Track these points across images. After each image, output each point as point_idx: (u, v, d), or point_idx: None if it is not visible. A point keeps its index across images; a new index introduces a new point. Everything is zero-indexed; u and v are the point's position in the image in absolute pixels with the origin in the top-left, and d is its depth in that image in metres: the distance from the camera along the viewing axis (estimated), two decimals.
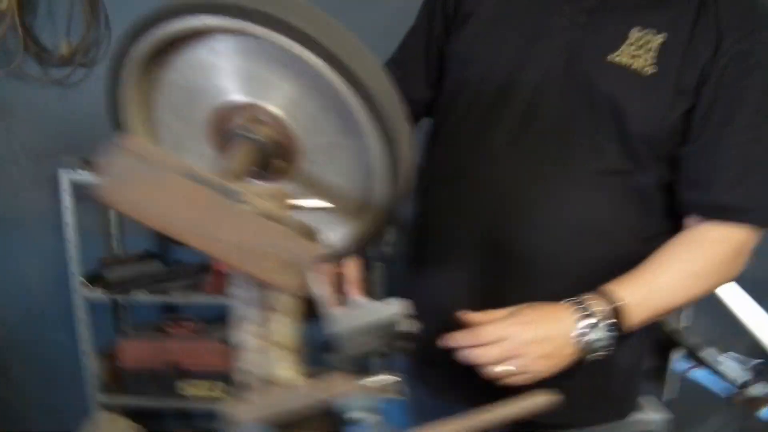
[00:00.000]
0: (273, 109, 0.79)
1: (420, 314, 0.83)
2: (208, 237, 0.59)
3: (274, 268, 0.59)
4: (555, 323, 0.94)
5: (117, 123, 0.82)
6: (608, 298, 0.96)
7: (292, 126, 0.79)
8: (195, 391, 2.33)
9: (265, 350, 0.73)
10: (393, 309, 0.82)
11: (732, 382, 1.69)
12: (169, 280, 2.33)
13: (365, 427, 0.69)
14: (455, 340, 0.94)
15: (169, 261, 2.45)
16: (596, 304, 0.95)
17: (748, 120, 0.98)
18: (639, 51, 0.99)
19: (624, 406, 1.17)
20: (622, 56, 0.99)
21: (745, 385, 1.68)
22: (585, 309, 0.95)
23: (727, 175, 0.99)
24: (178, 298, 2.32)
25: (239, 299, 0.72)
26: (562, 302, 0.97)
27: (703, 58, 0.97)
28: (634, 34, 1.01)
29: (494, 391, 0.89)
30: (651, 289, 0.98)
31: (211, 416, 2.48)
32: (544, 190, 1.03)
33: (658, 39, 0.99)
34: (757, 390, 1.61)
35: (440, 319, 0.97)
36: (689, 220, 1.04)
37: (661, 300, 0.99)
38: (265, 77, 0.78)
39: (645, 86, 0.98)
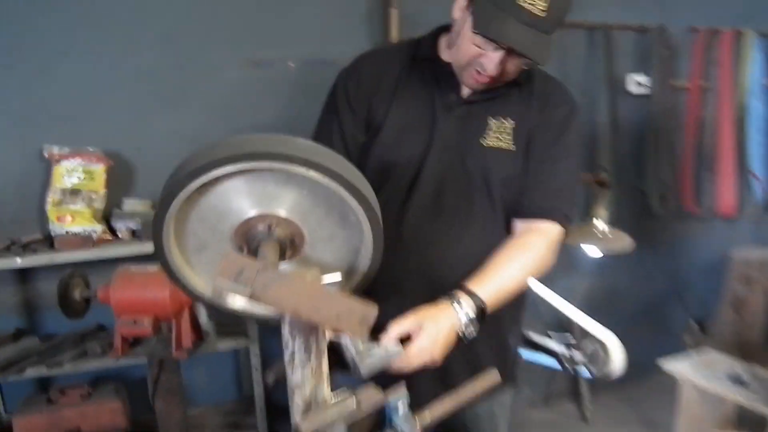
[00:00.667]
0: (284, 214, 1.15)
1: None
2: (317, 312, 0.95)
3: (353, 325, 0.97)
4: (449, 327, 1.37)
5: (159, 244, 1.12)
6: (474, 299, 1.41)
7: (300, 224, 1.16)
8: None
9: (318, 379, 1.09)
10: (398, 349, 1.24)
11: (556, 355, 2.29)
12: (53, 353, 2.46)
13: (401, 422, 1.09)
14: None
15: (41, 335, 2.58)
16: (467, 305, 1.40)
17: (561, 159, 1.56)
18: (500, 135, 1.53)
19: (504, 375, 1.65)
20: (491, 141, 1.52)
21: (565, 354, 2.27)
22: (463, 309, 1.39)
23: (548, 191, 1.55)
24: (68, 368, 2.45)
25: (298, 348, 1.07)
26: (443, 300, 1.41)
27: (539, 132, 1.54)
28: (492, 121, 1.54)
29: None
30: (500, 285, 1.46)
31: None
32: (450, 238, 1.54)
33: (509, 124, 1.54)
34: (576, 356, 2.21)
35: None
36: (517, 225, 1.58)
37: (506, 292, 1.48)
38: (274, 194, 1.13)
39: (510, 159, 1.54)
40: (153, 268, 2.07)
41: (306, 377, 1.09)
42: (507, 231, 1.60)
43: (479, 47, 1.42)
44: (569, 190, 1.58)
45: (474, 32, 1.39)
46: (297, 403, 1.10)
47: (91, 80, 2.59)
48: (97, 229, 2.45)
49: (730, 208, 4.15)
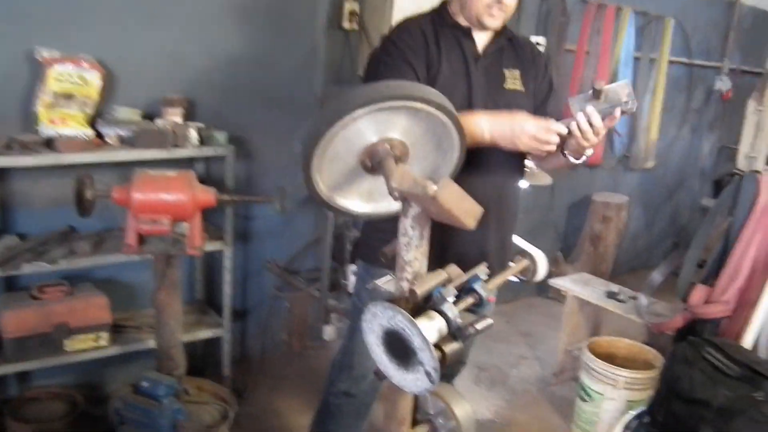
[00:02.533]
0: (397, 136, 1.61)
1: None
2: (457, 207, 1.43)
3: (471, 219, 1.46)
4: None
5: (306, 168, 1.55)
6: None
7: (409, 146, 1.62)
8: (81, 345, 2.77)
9: (423, 259, 1.59)
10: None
11: None
12: (43, 251, 2.69)
13: (481, 289, 1.61)
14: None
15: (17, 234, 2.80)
16: None
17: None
18: (513, 80, 2.09)
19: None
20: (509, 85, 2.08)
21: None
22: None
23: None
24: (64, 265, 2.68)
25: (416, 235, 1.55)
26: None
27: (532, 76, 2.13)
28: (506, 72, 2.09)
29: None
30: None
31: (95, 365, 2.95)
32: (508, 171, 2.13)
33: (517, 72, 2.10)
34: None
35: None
36: None
37: None
38: (392, 124, 1.59)
39: (525, 97, 2.10)
40: (171, 172, 2.39)
41: (418, 256, 1.58)
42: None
43: None
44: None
45: None
46: (407, 275, 1.58)
47: None
48: (88, 133, 2.69)
49: (596, 158, 4.99)
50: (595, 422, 2.98)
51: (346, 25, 3.39)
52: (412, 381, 1.47)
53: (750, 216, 2.61)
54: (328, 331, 3.45)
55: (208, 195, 2.39)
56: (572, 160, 2.01)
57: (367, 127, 1.53)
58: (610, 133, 5.07)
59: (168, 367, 2.53)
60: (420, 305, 1.54)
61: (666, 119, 5.32)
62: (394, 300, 1.58)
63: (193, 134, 2.90)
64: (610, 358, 3.03)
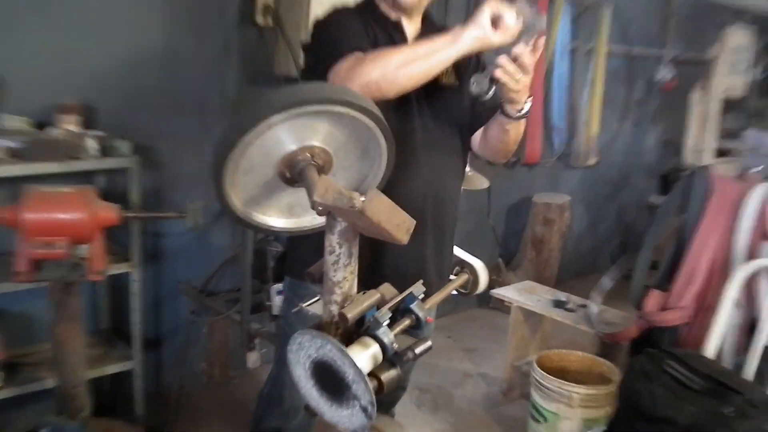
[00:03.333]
0: (319, 144, 1.56)
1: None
2: (388, 221, 1.39)
3: (403, 233, 1.43)
4: None
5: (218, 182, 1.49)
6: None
7: (333, 155, 1.58)
8: None
9: (353, 278, 1.54)
10: None
11: None
12: None
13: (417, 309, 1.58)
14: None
15: None
16: None
17: None
18: (449, 74, 2.07)
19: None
20: (444, 78, 2.05)
21: None
22: None
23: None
24: None
25: (343, 253, 1.50)
26: None
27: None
28: None
29: None
30: None
31: None
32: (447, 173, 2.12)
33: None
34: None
35: None
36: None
37: None
38: (313, 131, 1.54)
39: (458, 90, 2.10)
40: (67, 188, 2.29)
41: (347, 276, 1.53)
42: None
43: None
44: None
45: None
46: (335, 297, 1.54)
47: None
48: None
49: (535, 156, 5.06)
50: None
51: (260, 20, 3.32)
52: (346, 417, 1.43)
53: (704, 215, 2.66)
54: (252, 358, 3.38)
55: (110, 212, 2.31)
56: (513, 114, 1.95)
57: (284, 134, 1.49)
58: (549, 130, 5.15)
59: (71, 410, 2.42)
60: (352, 330, 1.50)
61: (607, 113, 5.43)
62: (321, 326, 1.54)
63: (91, 144, 2.79)
64: (561, 372, 3.04)
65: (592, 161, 5.41)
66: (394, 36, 2.06)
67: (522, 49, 1.76)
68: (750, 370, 2.41)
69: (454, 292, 2.56)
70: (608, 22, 5.11)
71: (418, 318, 1.58)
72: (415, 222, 1.45)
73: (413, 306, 1.59)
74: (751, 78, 5.53)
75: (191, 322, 3.47)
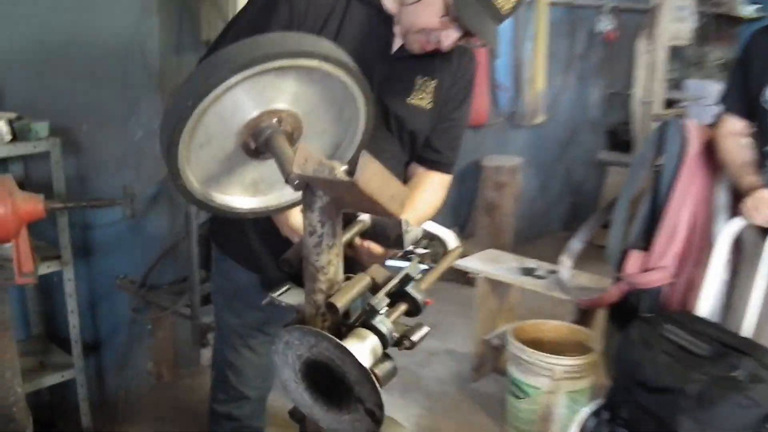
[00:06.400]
0: (286, 107, 1.36)
1: None
2: (381, 193, 1.20)
3: (397, 205, 1.24)
4: None
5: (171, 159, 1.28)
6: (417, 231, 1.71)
7: (302, 119, 1.38)
8: None
9: (339, 262, 1.35)
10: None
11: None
12: None
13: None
14: None
15: None
16: None
17: (463, 116, 1.97)
18: (423, 94, 1.84)
19: None
20: (414, 100, 1.83)
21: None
22: None
23: (449, 147, 1.96)
24: None
25: (327, 233, 1.31)
26: None
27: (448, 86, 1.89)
28: (418, 81, 1.83)
29: None
30: (421, 216, 1.84)
31: None
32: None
33: (433, 83, 1.84)
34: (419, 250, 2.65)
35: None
36: (417, 169, 1.98)
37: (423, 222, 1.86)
38: (280, 91, 1.34)
39: (427, 117, 1.87)
40: None
41: (332, 259, 1.34)
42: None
43: (443, 23, 1.67)
44: (460, 144, 2.02)
45: (453, 17, 1.64)
46: (320, 285, 1.35)
47: None
48: None
49: (483, 117, 4.91)
50: (533, 421, 2.88)
51: None
52: (349, 423, 1.25)
53: (680, 168, 2.55)
54: (206, 355, 3.16)
55: (34, 204, 2.08)
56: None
57: (244, 97, 1.29)
58: (494, 89, 5.02)
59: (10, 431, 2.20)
60: (339, 322, 1.34)
61: (551, 68, 5.31)
62: (305, 319, 1.36)
63: (2, 127, 2.51)
64: (537, 344, 2.94)
65: (539, 119, 5.31)
66: (376, 31, 1.80)
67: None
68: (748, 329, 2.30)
69: (423, 267, 2.41)
70: None
71: (415, 302, 1.42)
72: (408, 192, 1.28)
73: (410, 288, 1.43)
74: (693, 25, 5.49)
75: (133, 321, 3.25)
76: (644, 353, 2.06)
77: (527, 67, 5.13)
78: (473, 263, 3.51)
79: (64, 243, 2.67)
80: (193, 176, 1.36)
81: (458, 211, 5.10)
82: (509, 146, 5.33)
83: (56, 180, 2.63)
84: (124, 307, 3.24)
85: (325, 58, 1.28)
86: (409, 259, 2.46)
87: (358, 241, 1.58)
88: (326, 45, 1.32)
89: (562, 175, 6.04)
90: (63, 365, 2.84)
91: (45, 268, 2.64)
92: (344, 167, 1.24)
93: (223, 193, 1.44)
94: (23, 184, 2.61)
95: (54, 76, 2.86)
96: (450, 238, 2.29)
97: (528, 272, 3.33)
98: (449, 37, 1.69)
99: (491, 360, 3.55)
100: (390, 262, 2.71)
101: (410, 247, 2.52)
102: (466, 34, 1.69)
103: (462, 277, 3.92)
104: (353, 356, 1.16)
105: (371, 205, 1.23)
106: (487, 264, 3.49)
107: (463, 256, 3.85)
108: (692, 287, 2.52)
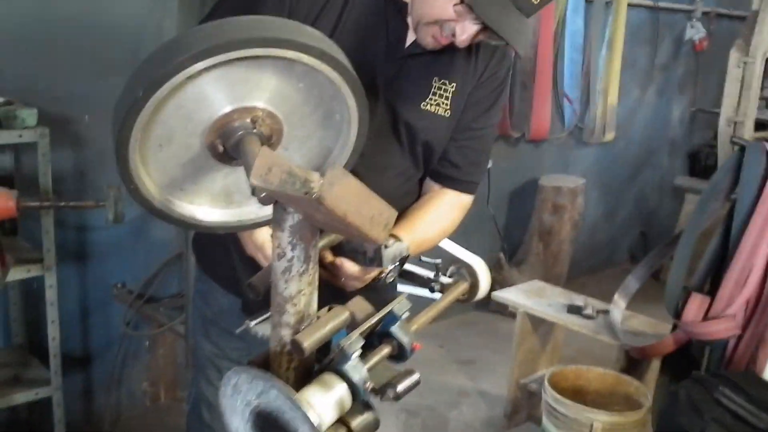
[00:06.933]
0: (269, 108, 1.26)
1: None
2: (358, 214, 1.10)
3: (379, 229, 1.14)
4: None
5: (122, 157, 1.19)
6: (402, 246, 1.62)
7: (283, 121, 1.28)
8: None
9: (312, 292, 1.25)
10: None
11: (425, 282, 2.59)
12: None
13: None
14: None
15: None
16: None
17: (487, 128, 1.84)
18: (440, 99, 1.72)
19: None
20: (430, 106, 1.72)
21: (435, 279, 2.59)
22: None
23: (470, 164, 1.83)
24: None
25: (297, 257, 1.21)
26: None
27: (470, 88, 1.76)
28: (435, 83, 1.71)
29: None
30: (423, 238, 1.75)
31: None
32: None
33: (452, 87, 1.72)
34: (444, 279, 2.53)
35: None
36: (433, 186, 1.86)
37: (426, 245, 1.78)
38: (254, 82, 1.24)
39: (444, 125, 1.75)
40: None
41: (303, 288, 1.24)
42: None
43: (458, 13, 1.54)
44: (486, 159, 1.90)
45: (467, 5, 1.50)
46: (287, 318, 1.25)
47: None
48: None
49: (544, 131, 4.80)
50: None
51: None
52: None
53: (760, 199, 2.39)
54: None
55: (3, 200, 2.02)
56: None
57: (213, 90, 1.20)
58: (559, 100, 4.90)
59: None
60: (311, 361, 1.26)
61: (626, 79, 5.21)
62: (268, 359, 1.25)
63: None
64: (578, 393, 2.82)
65: (609, 137, 5.20)
66: (388, 24, 1.69)
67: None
68: None
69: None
70: None
71: (401, 345, 1.31)
72: (396, 213, 1.17)
73: (394, 329, 1.32)
74: None
75: (128, 336, 3.21)
76: (693, 418, 1.93)
77: (599, 76, 5.03)
78: (513, 295, 3.41)
79: (47, 245, 2.63)
80: (150, 180, 1.28)
81: (509, 234, 4.98)
82: (572, 165, 5.24)
83: (42, 174, 2.59)
84: (118, 320, 3.22)
85: (305, 49, 1.18)
86: (431, 288, 2.35)
87: (329, 257, 1.48)
88: (309, 33, 1.22)
89: (631, 201, 5.92)
90: (39, 381, 2.80)
91: (25, 272, 2.61)
92: (320, 179, 1.13)
93: (189, 202, 1.35)
94: (8, 178, 2.59)
95: (53, 58, 2.85)
96: (479, 265, 2.19)
97: (575, 310, 3.21)
98: (465, 30, 1.56)
99: (527, 407, 3.46)
100: (404, 288, 2.61)
101: (432, 275, 2.41)
102: (486, 27, 1.56)
103: (505, 308, 3.80)
104: (303, 412, 1.05)
105: (345, 227, 1.13)
106: (530, 297, 3.38)
107: (505, 284, 3.74)
108: (763, 343, 2.39)
